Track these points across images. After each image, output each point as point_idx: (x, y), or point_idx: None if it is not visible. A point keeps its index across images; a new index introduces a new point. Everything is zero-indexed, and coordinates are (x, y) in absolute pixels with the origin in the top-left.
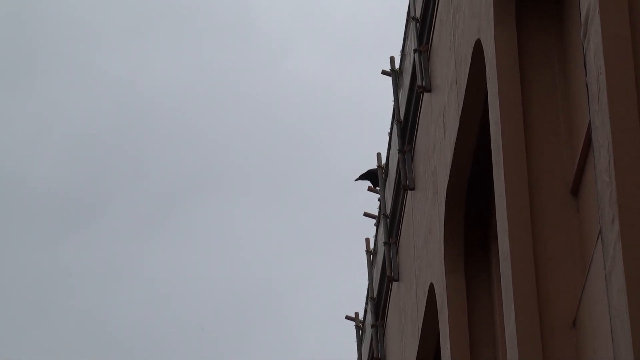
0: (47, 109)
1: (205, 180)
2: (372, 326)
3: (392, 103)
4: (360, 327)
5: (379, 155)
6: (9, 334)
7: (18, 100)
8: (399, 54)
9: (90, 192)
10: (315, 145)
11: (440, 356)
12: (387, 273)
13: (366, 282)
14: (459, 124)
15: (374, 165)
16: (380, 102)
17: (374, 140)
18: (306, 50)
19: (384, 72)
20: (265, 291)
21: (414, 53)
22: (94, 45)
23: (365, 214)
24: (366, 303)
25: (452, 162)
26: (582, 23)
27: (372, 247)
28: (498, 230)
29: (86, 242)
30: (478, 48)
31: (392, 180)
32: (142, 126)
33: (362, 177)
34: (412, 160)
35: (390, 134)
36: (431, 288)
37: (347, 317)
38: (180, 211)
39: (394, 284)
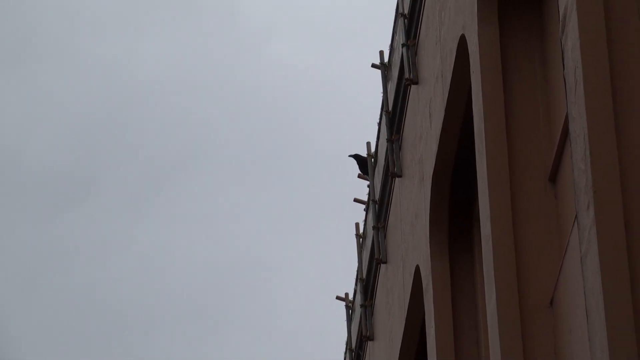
0: (42, 91)
1: (194, 160)
2: (362, 306)
3: (380, 93)
4: (350, 307)
5: (368, 144)
6: (4, 311)
7: (14, 83)
8: (388, 48)
9: (83, 170)
10: (299, 129)
11: (425, 334)
12: (376, 256)
13: (352, 263)
14: (444, 115)
15: (360, 151)
16: (361, 88)
17: (356, 124)
18: (288, 37)
19: (373, 66)
20: (253, 268)
21: (402, 47)
22: (87, 31)
23: (355, 200)
24: (355, 284)
25: (438, 151)
26: (560, 20)
27: (361, 231)
28: (480, 215)
29: (79, 219)
30: (462, 43)
31: (380, 168)
32: (132, 108)
33: (355, 157)
34: (400, 148)
35: (379, 123)
36: (417, 270)
37: (338, 297)
38: (170, 189)
39: (382, 266)
